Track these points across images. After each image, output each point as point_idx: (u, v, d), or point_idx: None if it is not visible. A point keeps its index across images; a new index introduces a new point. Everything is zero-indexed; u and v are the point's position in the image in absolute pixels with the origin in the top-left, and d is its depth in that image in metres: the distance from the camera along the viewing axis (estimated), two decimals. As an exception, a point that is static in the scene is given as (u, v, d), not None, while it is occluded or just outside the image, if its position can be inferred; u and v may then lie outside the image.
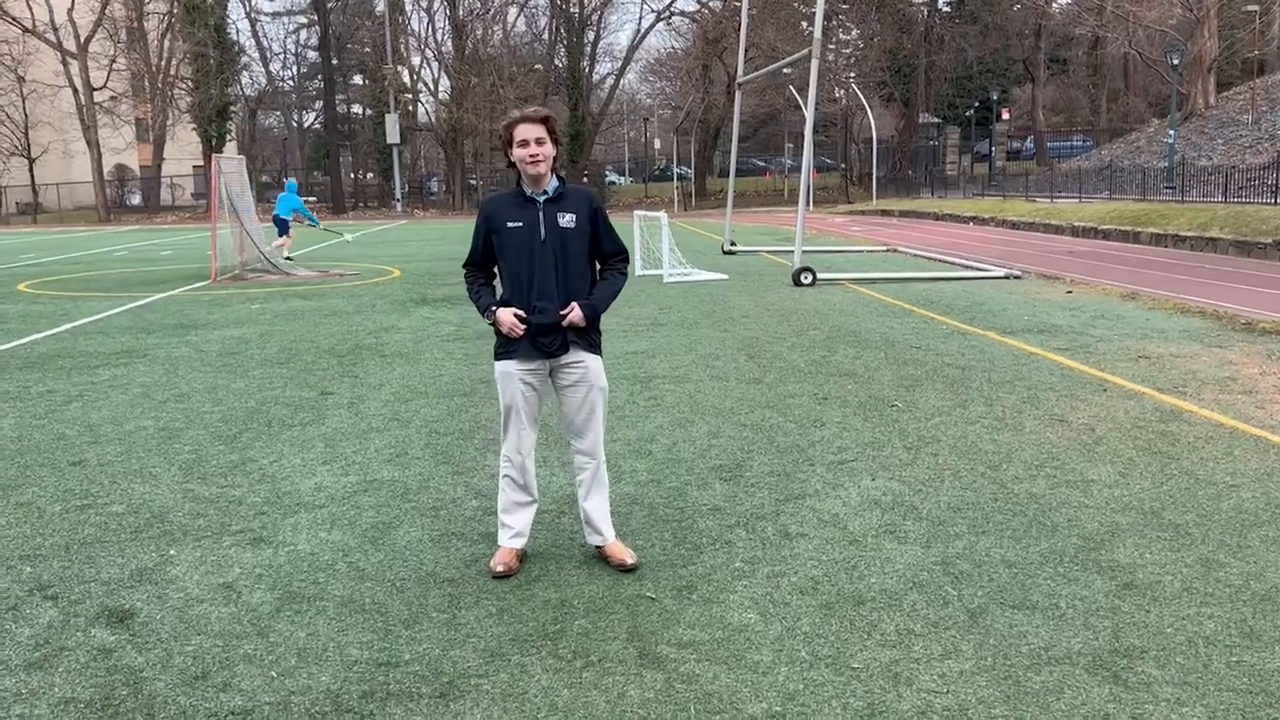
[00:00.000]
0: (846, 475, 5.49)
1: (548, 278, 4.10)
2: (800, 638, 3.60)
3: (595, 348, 4.28)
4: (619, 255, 4.29)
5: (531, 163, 4.01)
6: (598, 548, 4.36)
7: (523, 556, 4.32)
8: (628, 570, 4.20)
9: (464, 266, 4.36)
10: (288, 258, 22.86)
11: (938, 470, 5.55)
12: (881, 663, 3.41)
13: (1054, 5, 58.01)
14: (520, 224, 4.09)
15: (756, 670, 3.37)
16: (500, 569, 4.19)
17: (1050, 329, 10.43)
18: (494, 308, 4.18)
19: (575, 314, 4.12)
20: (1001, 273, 16.11)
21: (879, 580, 4.09)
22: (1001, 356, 8.89)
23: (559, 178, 4.17)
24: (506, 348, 4.20)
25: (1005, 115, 59.42)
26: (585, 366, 4.23)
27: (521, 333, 4.12)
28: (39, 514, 5.08)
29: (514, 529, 4.32)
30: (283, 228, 23.45)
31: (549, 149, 4.04)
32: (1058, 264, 18.13)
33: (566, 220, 4.10)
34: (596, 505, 4.35)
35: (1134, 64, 53.76)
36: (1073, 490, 5.17)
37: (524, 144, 4.00)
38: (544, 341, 4.15)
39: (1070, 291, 13.78)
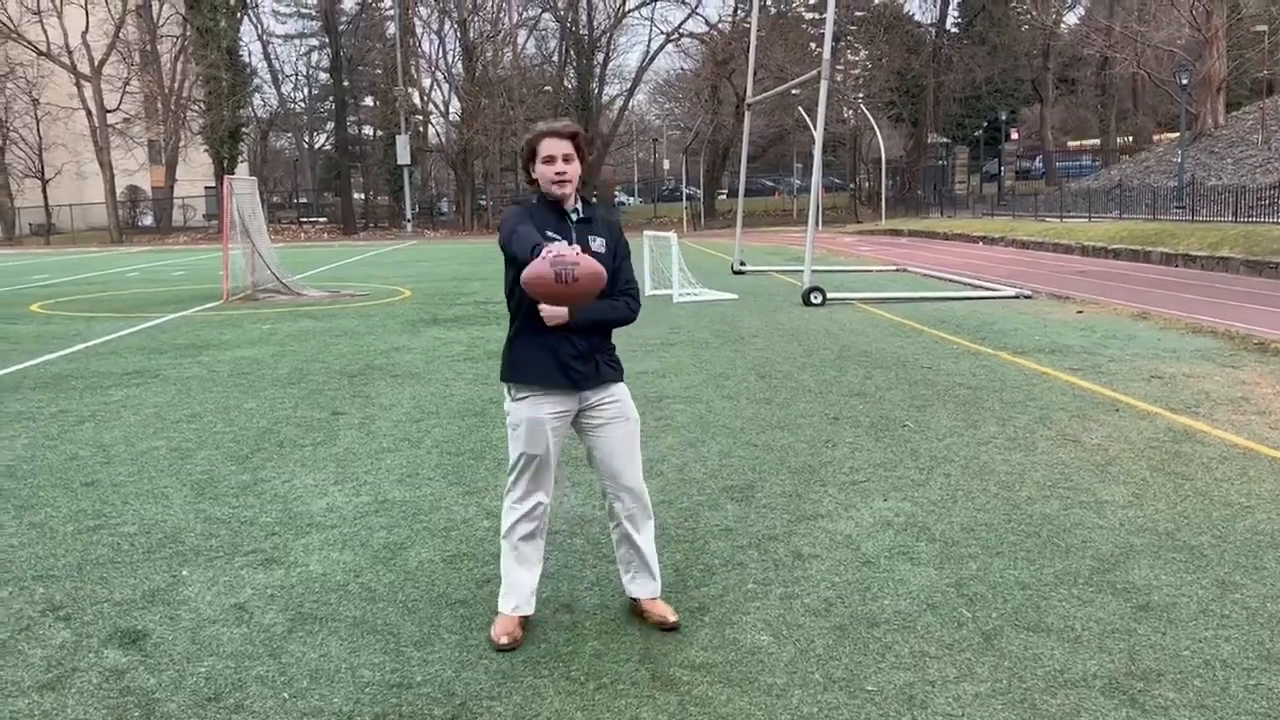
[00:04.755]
0: (858, 496, 5.48)
1: None
2: (814, 660, 3.58)
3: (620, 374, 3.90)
4: (632, 287, 3.87)
5: (557, 182, 3.65)
6: (635, 600, 3.96)
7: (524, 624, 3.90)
8: (669, 629, 3.83)
9: (517, 257, 3.58)
10: None
11: (950, 491, 5.53)
12: (896, 685, 3.39)
13: (1062, 26, 58.22)
14: (558, 236, 3.62)
15: (770, 693, 3.36)
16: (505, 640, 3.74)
17: (1062, 349, 10.40)
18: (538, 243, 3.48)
19: (557, 311, 3.60)
20: (1012, 292, 16.08)
21: (892, 602, 4.07)
22: (1013, 376, 8.87)
23: (584, 199, 3.79)
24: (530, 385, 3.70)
25: (1014, 135, 59.48)
26: (618, 400, 3.85)
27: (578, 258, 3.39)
28: (52, 534, 5.09)
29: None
30: None
31: (576, 168, 3.68)
32: (1068, 284, 18.10)
33: (597, 244, 3.71)
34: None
35: (1142, 84, 53.76)
36: (1086, 511, 5.14)
37: (549, 160, 3.64)
38: (576, 370, 3.72)
39: (1081, 311, 13.74)
